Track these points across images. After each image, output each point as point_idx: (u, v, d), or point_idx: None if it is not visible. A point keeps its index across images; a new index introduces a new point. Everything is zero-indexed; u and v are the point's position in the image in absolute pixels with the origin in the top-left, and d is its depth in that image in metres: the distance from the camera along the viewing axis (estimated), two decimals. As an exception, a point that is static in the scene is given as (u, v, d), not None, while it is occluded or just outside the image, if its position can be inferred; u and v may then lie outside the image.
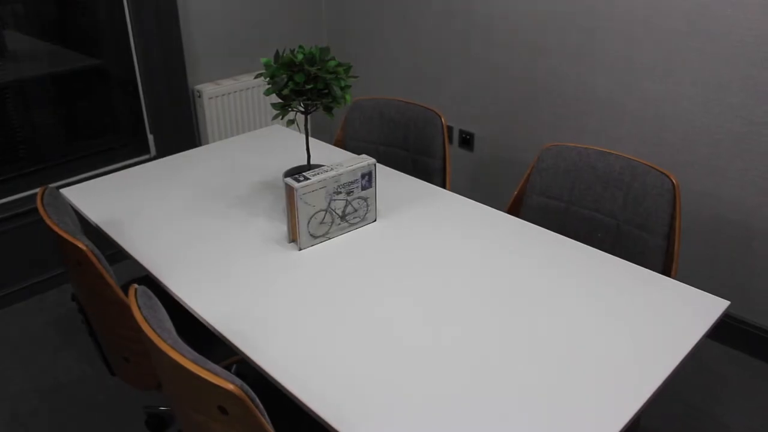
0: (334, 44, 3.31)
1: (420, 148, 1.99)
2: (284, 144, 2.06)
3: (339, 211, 1.51)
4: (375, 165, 1.54)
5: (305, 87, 1.46)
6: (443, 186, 1.94)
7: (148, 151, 2.86)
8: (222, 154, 2.00)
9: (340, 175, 1.47)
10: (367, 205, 1.56)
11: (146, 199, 1.72)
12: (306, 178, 1.43)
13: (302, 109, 1.53)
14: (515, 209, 1.77)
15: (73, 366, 2.19)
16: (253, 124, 3.07)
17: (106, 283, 1.28)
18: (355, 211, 1.54)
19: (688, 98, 2.10)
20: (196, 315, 1.28)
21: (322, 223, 1.49)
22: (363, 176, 1.52)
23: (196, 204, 1.69)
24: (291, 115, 3.27)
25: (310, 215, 1.46)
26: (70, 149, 2.64)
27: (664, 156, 2.23)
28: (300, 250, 1.48)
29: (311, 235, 1.49)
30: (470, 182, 2.94)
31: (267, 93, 1.48)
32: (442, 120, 1.91)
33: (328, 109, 1.52)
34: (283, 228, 1.58)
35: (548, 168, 1.69)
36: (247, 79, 2.97)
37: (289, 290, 1.34)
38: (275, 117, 1.53)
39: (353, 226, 1.56)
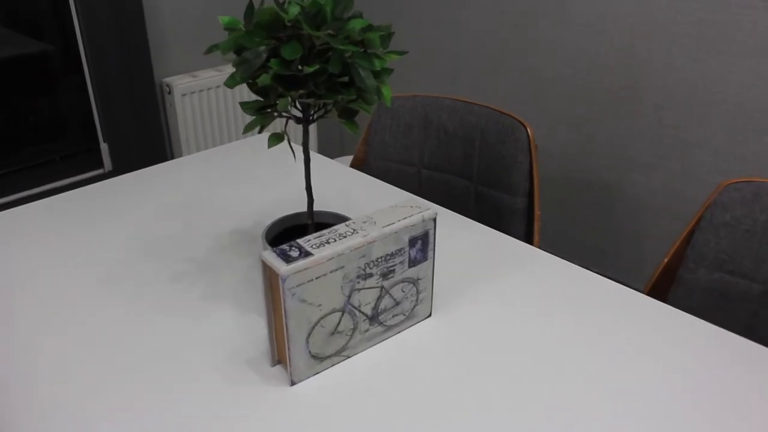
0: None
1: (490, 176, 1.27)
2: (281, 161, 1.35)
3: (367, 309, 0.80)
4: (435, 221, 0.82)
5: (303, 69, 0.75)
6: (529, 240, 1.22)
7: (101, 165, 2.16)
8: (186, 176, 1.29)
9: (370, 243, 0.76)
10: (418, 292, 0.85)
11: (49, 260, 1.01)
12: (303, 253, 0.72)
13: (298, 114, 0.81)
14: (662, 289, 1.05)
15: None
16: (240, 127, 2.36)
17: None
18: (397, 304, 0.83)
19: None
20: None
21: (334, 333, 0.78)
22: (413, 242, 0.80)
23: (125, 275, 0.98)
24: (276, 124, 2.57)
25: (312, 323, 0.75)
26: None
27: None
28: (292, 384, 0.77)
29: (314, 356, 0.77)
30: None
31: (229, 84, 0.76)
32: (529, 132, 1.19)
33: (349, 115, 0.81)
34: (265, 332, 0.86)
35: (732, 223, 0.96)
36: (232, 70, 2.26)
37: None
38: (247, 129, 0.82)
39: (392, 330, 0.85)
